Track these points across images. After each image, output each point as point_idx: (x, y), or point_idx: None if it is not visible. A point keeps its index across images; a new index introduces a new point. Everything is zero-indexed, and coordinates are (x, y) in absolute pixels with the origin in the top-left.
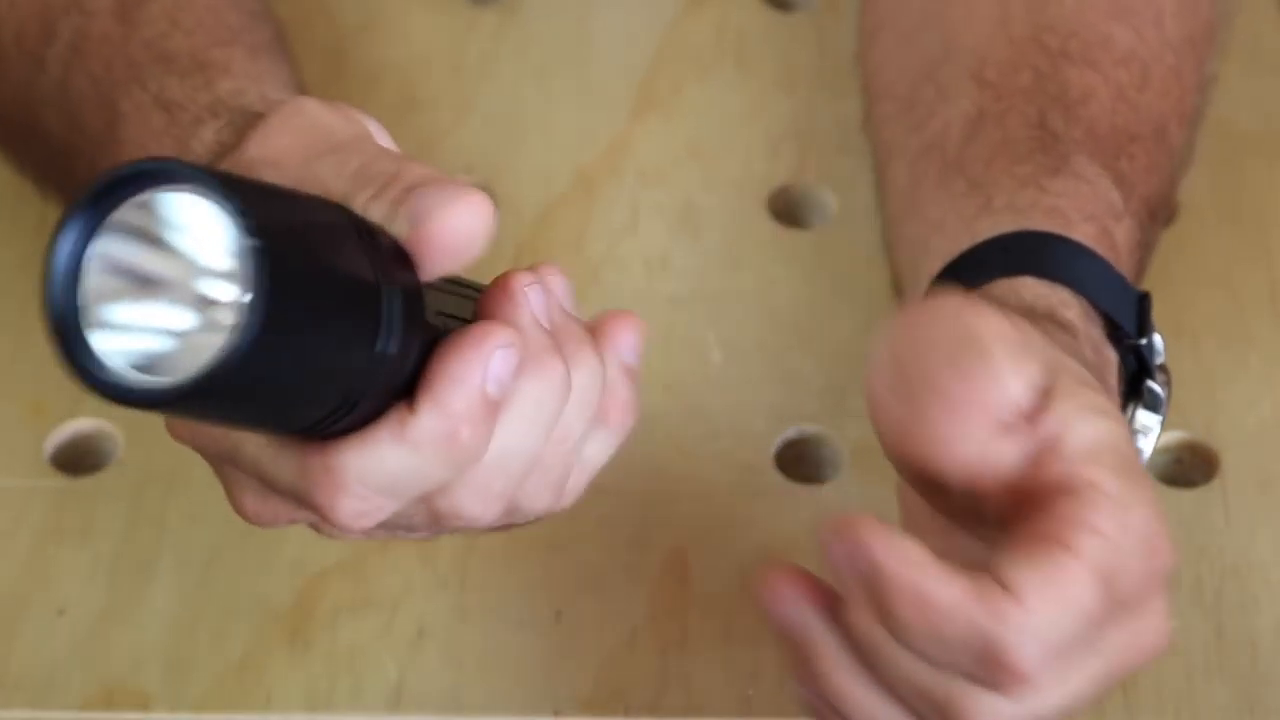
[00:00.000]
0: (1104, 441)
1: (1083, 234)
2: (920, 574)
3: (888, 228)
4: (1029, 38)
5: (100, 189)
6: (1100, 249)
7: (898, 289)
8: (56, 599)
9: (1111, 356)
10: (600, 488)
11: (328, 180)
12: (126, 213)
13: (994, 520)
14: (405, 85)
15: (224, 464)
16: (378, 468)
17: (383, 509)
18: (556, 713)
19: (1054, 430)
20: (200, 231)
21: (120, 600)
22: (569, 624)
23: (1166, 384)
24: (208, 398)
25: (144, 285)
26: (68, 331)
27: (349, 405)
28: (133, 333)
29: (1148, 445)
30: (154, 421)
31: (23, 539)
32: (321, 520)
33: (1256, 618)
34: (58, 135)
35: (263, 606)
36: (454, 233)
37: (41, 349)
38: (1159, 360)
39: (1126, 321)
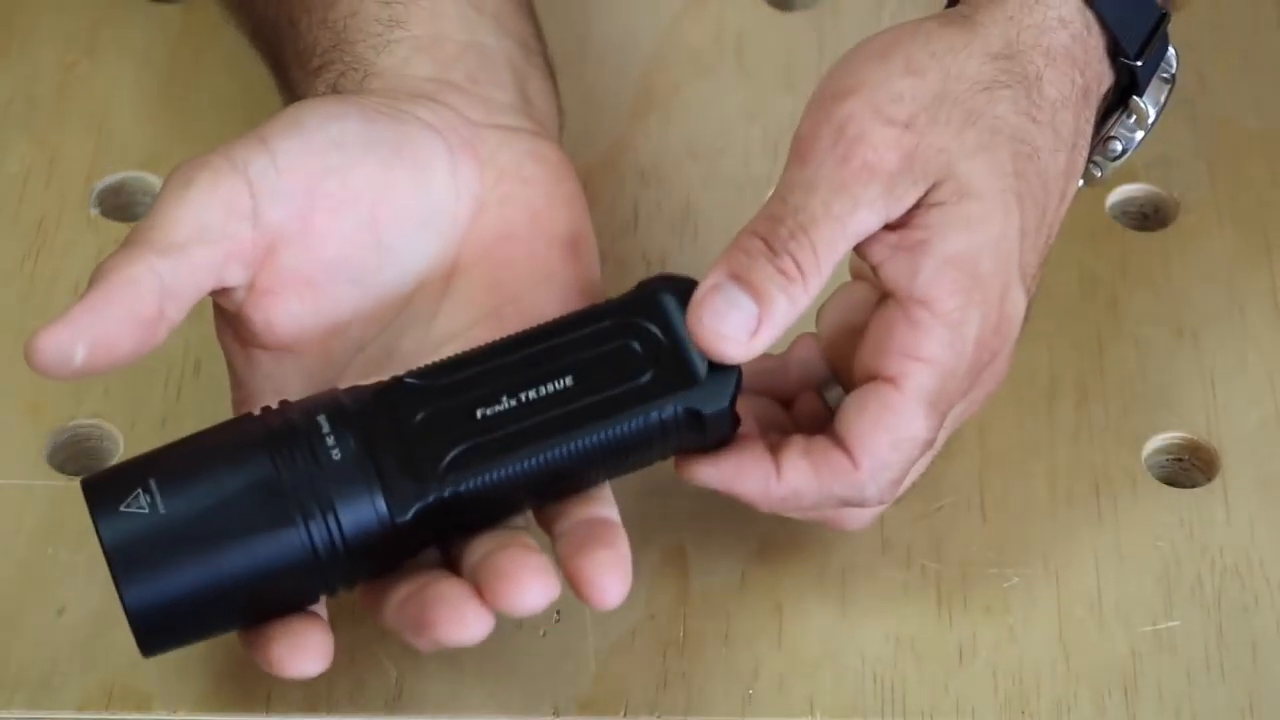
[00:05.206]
0: (959, 255)
1: None
2: (764, 486)
3: None
4: None
5: None
6: None
7: None
8: (56, 599)
9: (1104, 72)
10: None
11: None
12: None
13: None
14: None
15: None
16: None
17: None
18: (556, 713)
19: (918, 238)
20: None
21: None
22: (569, 624)
23: (1166, 97)
24: None
25: None
26: None
27: None
28: None
29: (1125, 151)
30: (153, 422)
31: (22, 539)
32: None
33: (1256, 618)
34: None
35: None
36: None
37: None
38: (1171, 71)
39: (1129, 39)
